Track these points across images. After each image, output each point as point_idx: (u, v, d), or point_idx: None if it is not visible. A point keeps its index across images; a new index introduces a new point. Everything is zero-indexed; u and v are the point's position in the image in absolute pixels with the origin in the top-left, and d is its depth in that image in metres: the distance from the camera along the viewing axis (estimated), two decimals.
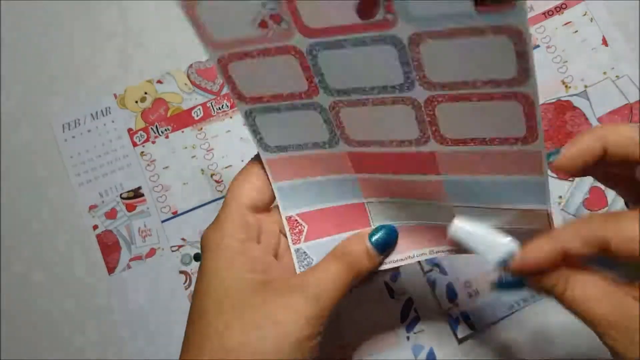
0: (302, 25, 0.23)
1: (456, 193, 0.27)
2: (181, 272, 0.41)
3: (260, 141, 0.28)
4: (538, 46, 0.44)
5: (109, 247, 0.41)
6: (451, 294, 0.40)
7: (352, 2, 0.22)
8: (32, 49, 0.45)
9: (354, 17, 0.22)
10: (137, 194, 0.42)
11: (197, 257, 0.41)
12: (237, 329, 0.25)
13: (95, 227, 0.42)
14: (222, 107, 0.43)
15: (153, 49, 0.45)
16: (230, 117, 0.43)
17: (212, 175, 0.42)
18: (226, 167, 0.42)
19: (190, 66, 0.44)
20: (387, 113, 0.25)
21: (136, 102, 0.43)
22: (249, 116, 0.27)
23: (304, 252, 0.30)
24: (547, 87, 0.43)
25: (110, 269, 0.41)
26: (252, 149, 0.39)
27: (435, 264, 0.40)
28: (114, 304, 0.40)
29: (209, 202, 0.42)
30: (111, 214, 0.42)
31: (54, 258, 0.41)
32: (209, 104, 0.43)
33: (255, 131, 0.28)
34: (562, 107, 0.43)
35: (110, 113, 0.43)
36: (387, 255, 0.30)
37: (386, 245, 0.30)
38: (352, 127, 0.26)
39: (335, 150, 0.28)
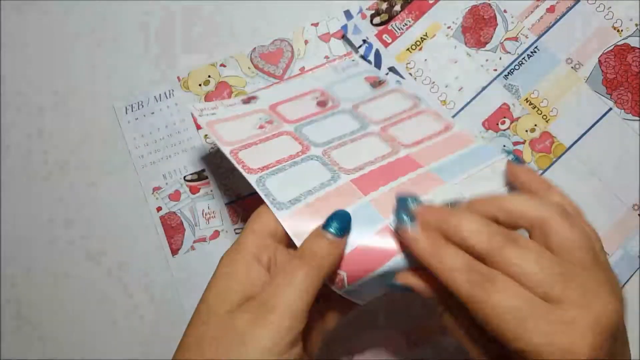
0: (286, 119, 0.37)
1: (445, 172, 0.33)
2: None
3: (273, 202, 0.30)
4: (578, 1, 0.43)
5: (173, 228, 0.41)
6: None
7: (314, 100, 0.40)
8: (92, 34, 0.45)
9: (316, 107, 0.39)
10: (200, 176, 0.42)
11: None
12: (222, 345, 0.26)
13: (159, 208, 0.42)
14: None
15: (216, 33, 0.45)
16: None
17: None
18: None
19: (254, 50, 0.44)
20: (363, 144, 0.36)
21: (200, 85, 0.44)
22: (259, 183, 0.31)
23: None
24: (600, 37, 0.43)
25: (174, 251, 0.41)
26: None
27: None
28: (177, 285, 0.41)
29: None
30: (175, 196, 0.42)
31: (118, 238, 0.42)
32: None
33: (267, 194, 0.31)
34: (622, 52, 0.42)
35: (173, 95, 0.43)
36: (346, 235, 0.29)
37: (343, 228, 0.29)
38: (344, 160, 0.34)
39: (340, 182, 0.32)
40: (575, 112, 0.41)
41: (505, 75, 0.42)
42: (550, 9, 0.43)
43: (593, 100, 0.42)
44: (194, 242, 0.41)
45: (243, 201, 0.41)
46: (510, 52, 0.43)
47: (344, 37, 0.44)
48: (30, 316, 0.42)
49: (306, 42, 0.44)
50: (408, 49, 0.43)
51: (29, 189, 0.43)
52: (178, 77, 0.44)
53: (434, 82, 0.43)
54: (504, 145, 0.41)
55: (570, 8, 0.43)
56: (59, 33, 0.45)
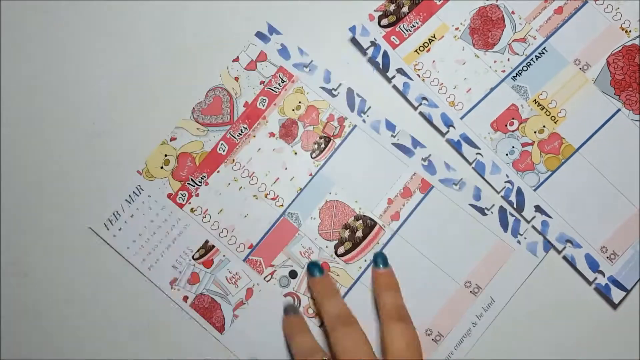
0: None
1: None
2: (285, 295, 0.41)
3: None
4: (586, 2, 0.43)
5: (208, 309, 0.41)
6: (592, 264, 0.39)
7: None
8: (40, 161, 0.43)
9: None
10: (207, 248, 0.42)
11: (292, 274, 0.41)
12: None
13: (185, 298, 0.41)
14: (241, 131, 0.43)
15: (151, 114, 0.43)
16: (254, 137, 0.43)
17: (266, 196, 0.42)
18: (274, 182, 0.42)
19: (193, 110, 0.43)
20: None
21: (161, 167, 0.43)
22: None
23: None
24: (608, 38, 0.43)
25: (220, 328, 0.41)
26: (289, 155, 0.42)
27: (567, 240, 0.39)
28: (240, 357, 0.40)
29: (277, 221, 0.42)
30: (194, 279, 0.41)
31: (166, 347, 0.41)
32: (228, 135, 0.43)
33: None
34: (630, 53, 0.42)
35: (143, 190, 0.42)
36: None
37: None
38: None
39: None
40: (584, 113, 0.42)
41: (514, 77, 0.42)
42: (558, 10, 0.43)
43: (601, 101, 0.42)
44: (234, 310, 0.41)
45: (258, 248, 0.42)
46: (518, 54, 0.43)
47: (352, 39, 0.44)
48: (30, 316, 0.42)
49: (236, 78, 0.43)
50: (416, 51, 0.43)
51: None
52: (138, 171, 0.43)
53: (442, 84, 0.43)
54: (513, 146, 0.41)
55: (578, 9, 0.43)
56: None
